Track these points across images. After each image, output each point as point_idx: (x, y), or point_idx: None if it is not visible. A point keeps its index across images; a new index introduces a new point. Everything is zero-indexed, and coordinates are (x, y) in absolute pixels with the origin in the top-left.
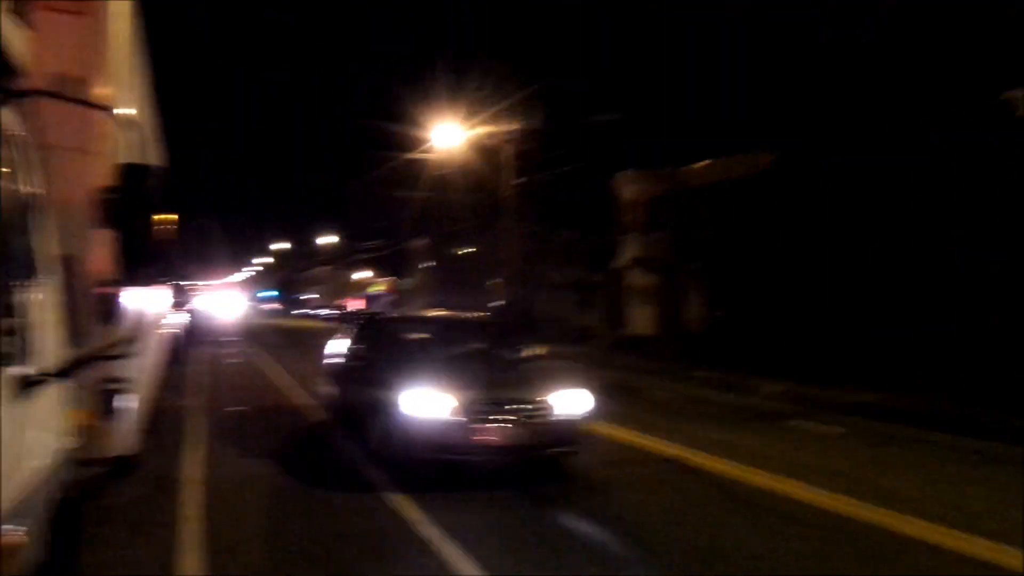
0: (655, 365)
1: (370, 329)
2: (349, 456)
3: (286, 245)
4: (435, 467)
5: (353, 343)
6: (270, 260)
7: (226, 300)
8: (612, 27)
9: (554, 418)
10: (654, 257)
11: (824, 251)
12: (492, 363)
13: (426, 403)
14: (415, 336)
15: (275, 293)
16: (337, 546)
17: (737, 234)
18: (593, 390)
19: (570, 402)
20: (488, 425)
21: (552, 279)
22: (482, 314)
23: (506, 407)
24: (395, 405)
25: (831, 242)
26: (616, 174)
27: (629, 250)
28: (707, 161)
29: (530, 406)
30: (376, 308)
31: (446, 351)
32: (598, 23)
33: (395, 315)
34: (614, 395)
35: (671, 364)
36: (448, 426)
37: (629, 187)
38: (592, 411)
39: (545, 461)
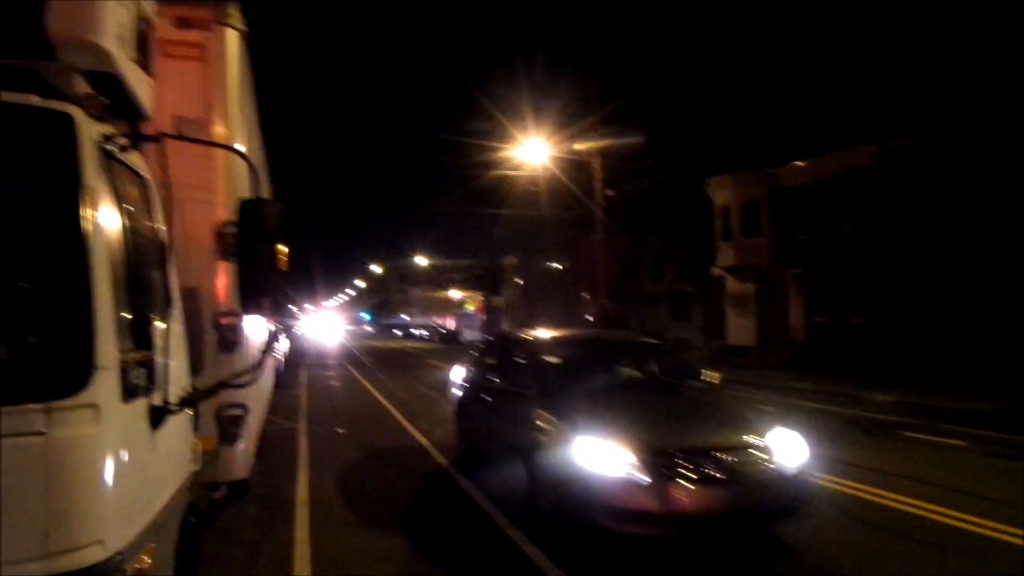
0: (756, 377)
1: (507, 354)
2: (485, 515)
3: (379, 269)
4: (606, 539)
5: (485, 372)
6: (364, 284)
7: (325, 324)
8: (694, 32)
9: (776, 470)
10: (751, 264)
11: (933, 254)
12: (673, 397)
13: (604, 455)
14: (565, 363)
15: (370, 316)
16: None
17: (838, 236)
18: None
19: (788, 447)
20: (692, 485)
21: (646, 290)
22: (632, 333)
23: (715, 456)
24: (560, 458)
25: (941, 244)
26: (709, 179)
27: (725, 257)
28: (805, 160)
29: (744, 455)
30: (465, 326)
31: (609, 382)
32: (686, 28)
33: (536, 337)
34: None
35: (773, 375)
36: (636, 487)
37: (723, 192)
38: (809, 460)
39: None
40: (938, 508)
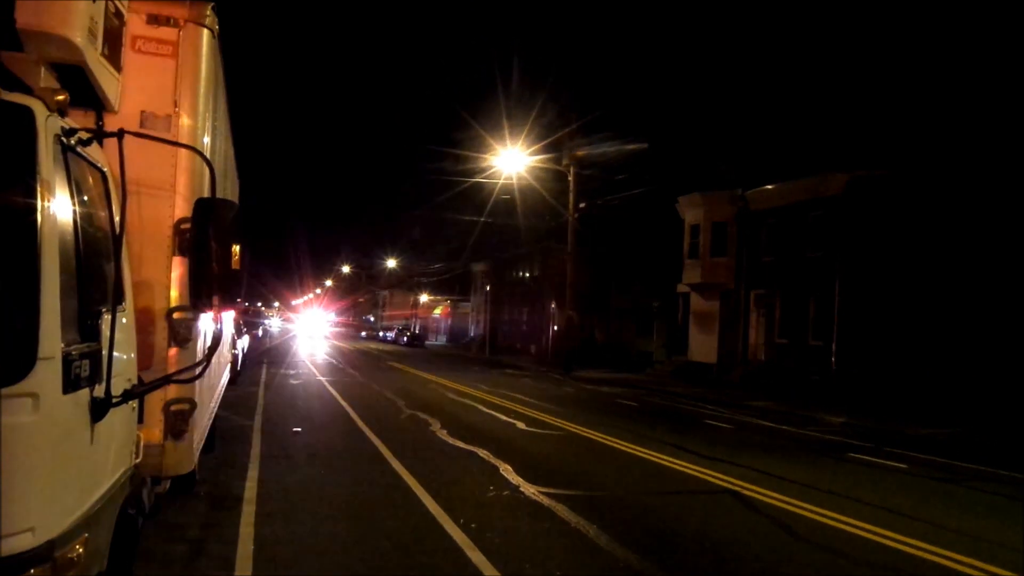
0: (715, 393)
1: None
2: (432, 518)
3: (347, 268)
4: None
5: None
6: (331, 283)
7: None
8: (676, 48)
9: None
10: (716, 282)
11: (898, 281)
12: None
13: None
14: None
15: (336, 316)
16: None
17: (803, 261)
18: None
19: None
20: None
21: (613, 303)
22: None
23: None
24: None
25: (906, 272)
26: (680, 197)
27: (691, 275)
28: (774, 184)
29: None
30: (432, 330)
31: None
32: (661, 43)
33: None
34: (672, 424)
35: (732, 392)
36: None
37: (693, 210)
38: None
39: None
40: (867, 526)
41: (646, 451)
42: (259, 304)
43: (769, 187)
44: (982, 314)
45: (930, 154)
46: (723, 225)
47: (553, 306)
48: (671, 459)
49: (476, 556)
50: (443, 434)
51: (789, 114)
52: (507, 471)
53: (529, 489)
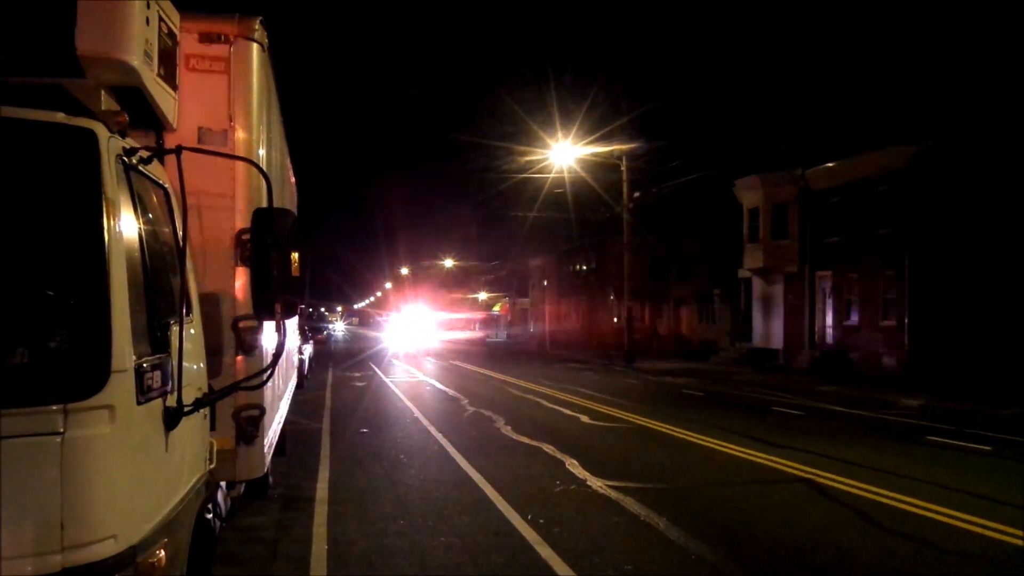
0: (784, 379)
1: None
2: (498, 511)
3: (406, 271)
4: None
5: None
6: (391, 285)
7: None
8: (726, 30)
9: None
10: (779, 266)
11: (975, 256)
12: None
13: None
14: None
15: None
16: None
17: (871, 239)
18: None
19: None
20: None
21: (672, 292)
22: None
23: None
24: None
25: (983, 246)
26: (737, 181)
27: (752, 259)
28: (835, 162)
29: None
30: (492, 327)
31: None
32: (710, 26)
33: None
34: (740, 413)
35: (801, 377)
36: None
37: (751, 193)
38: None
39: None
40: (951, 512)
41: (714, 441)
42: (322, 309)
43: (830, 165)
44: None
45: (996, 122)
46: (783, 207)
47: (612, 298)
48: (741, 448)
49: (545, 551)
50: (507, 430)
51: (845, 89)
52: (573, 465)
53: (596, 483)
